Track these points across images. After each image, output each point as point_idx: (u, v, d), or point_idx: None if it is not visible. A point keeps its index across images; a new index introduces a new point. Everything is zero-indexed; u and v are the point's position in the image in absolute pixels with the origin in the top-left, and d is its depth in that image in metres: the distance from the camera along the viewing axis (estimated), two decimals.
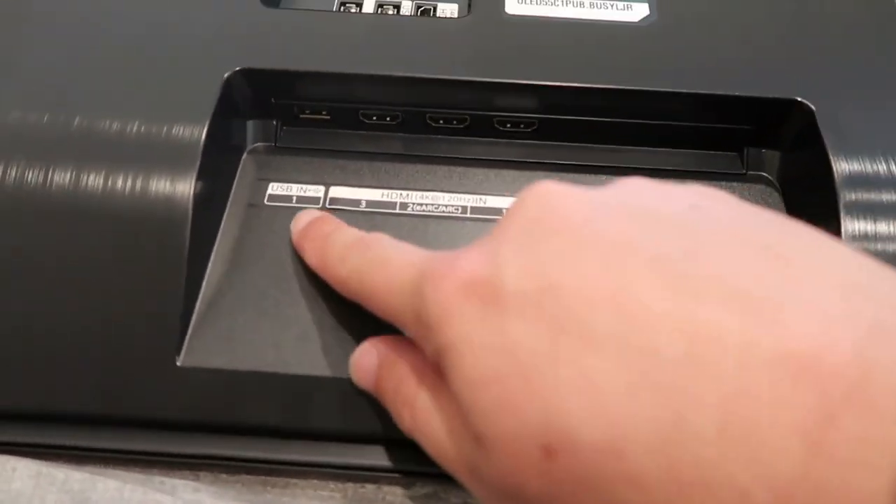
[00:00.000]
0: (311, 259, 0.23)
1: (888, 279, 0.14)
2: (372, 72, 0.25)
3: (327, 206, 0.25)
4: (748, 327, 0.14)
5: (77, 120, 0.24)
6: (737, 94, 0.25)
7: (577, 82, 0.25)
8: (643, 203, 0.17)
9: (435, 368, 0.19)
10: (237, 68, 0.25)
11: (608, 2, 0.28)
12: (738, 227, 0.16)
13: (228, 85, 0.25)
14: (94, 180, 0.23)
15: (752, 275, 0.14)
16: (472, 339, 0.16)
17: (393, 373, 0.20)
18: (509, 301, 0.16)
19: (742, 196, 0.26)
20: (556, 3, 0.28)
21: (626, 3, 0.28)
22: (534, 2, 0.28)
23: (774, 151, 0.26)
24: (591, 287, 0.15)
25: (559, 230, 0.16)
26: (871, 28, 0.27)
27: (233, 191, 0.26)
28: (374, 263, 0.20)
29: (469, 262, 0.17)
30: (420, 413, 0.19)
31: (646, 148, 0.27)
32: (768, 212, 0.17)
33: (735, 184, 0.26)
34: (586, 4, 0.28)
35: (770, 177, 0.26)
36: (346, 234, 0.22)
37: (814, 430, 0.13)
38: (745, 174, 0.27)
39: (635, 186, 0.18)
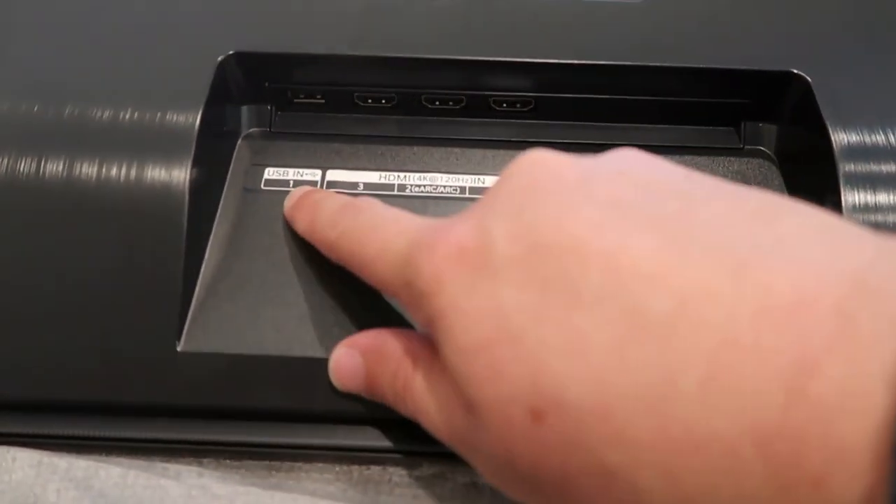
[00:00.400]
0: (301, 225, 0.23)
1: (866, 235, 0.14)
2: (366, 53, 0.25)
3: (325, 189, 0.25)
4: (736, 281, 0.14)
5: (69, 108, 0.24)
6: (732, 67, 0.25)
7: (573, 59, 0.25)
8: (637, 170, 0.17)
9: (425, 345, 0.19)
10: (230, 52, 0.25)
11: None
12: (730, 194, 0.16)
13: (221, 69, 0.25)
14: (88, 169, 0.23)
15: (741, 234, 0.14)
16: (462, 305, 0.16)
17: (385, 367, 0.20)
18: (499, 265, 0.16)
19: (740, 170, 0.26)
20: None
21: None
22: None
23: (771, 125, 0.26)
24: (581, 245, 0.15)
25: (552, 191, 0.16)
26: (863, 1, 0.27)
27: (228, 176, 0.26)
28: (366, 229, 0.20)
29: (460, 230, 0.17)
30: (418, 394, 0.19)
31: (643, 124, 0.27)
32: (756, 188, 0.17)
33: (733, 158, 0.26)
34: None
35: (768, 150, 0.26)
36: (336, 199, 0.22)
37: (795, 378, 0.12)
38: (742, 149, 0.26)
39: (630, 155, 0.18)
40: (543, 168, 0.17)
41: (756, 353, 0.13)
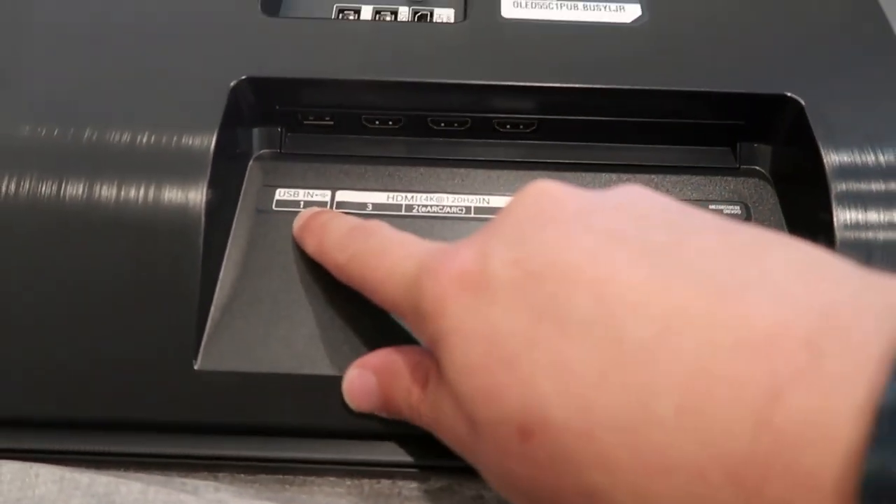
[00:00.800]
0: (311, 247, 0.24)
1: (847, 270, 0.15)
2: (373, 78, 0.26)
3: (334, 209, 0.26)
4: (715, 311, 0.14)
5: (87, 132, 0.25)
6: (729, 90, 0.26)
7: (574, 83, 0.26)
8: (637, 203, 0.18)
9: (433, 360, 0.19)
10: (242, 77, 0.26)
11: (601, 3, 0.28)
12: (721, 228, 0.17)
13: (234, 94, 0.26)
14: (107, 191, 0.24)
15: (726, 266, 0.15)
16: (461, 327, 0.17)
17: (398, 384, 0.21)
18: (497, 290, 0.17)
19: (736, 189, 0.27)
20: (551, 6, 0.28)
21: (618, 5, 0.28)
22: (529, 5, 0.28)
23: (766, 146, 0.27)
24: (574, 273, 0.16)
25: (551, 220, 0.17)
26: (855, 24, 0.28)
27: (241, 198, 0.26)
28: (375, 252, 0.21)
29: (463, 254, 0.18)
30: (431, 407, 0.19)
31: (642, 145, 0.28)
32: (750, 225, 0.17)
33: (729, 178, 0.27)
34: (580, 7, 0.28)
35: (763, 170, 0.27)
36: (344, 221, 0.23)
37: (763, 408, 0.13)
38: (738, 168, 0.27)
39: (632, 190, 0.19)
40: (548, 198, 0.18)
41: (728, 383, 0.13)
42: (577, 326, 0.15)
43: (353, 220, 0.23)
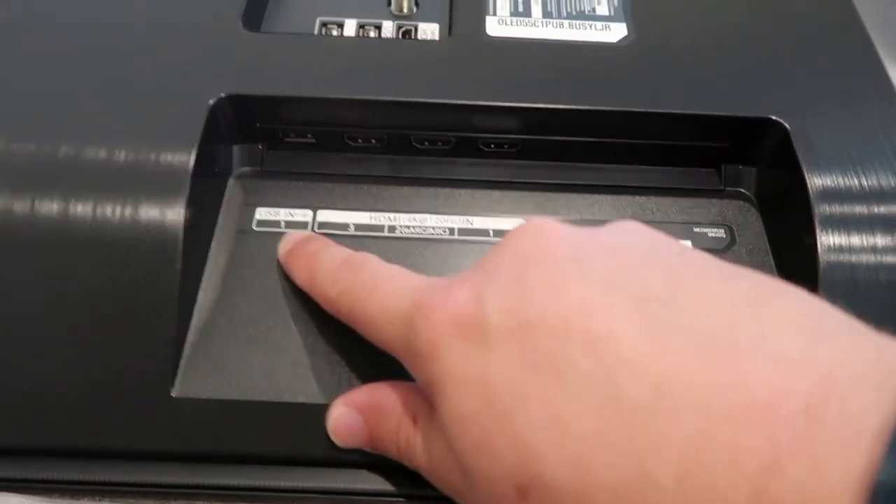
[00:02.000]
0: (300, 278, 0.23)
1: (846, 329, 0.15)
2: (355, 96, 0.25)
3: (316, 230, 0.26)
4: (713, 373, 0.14)
5: (63, 148, 0.24)
6: (714, 113, 0.26)
7: (558, 104, 0.25)
8: (634, 244, 0.17)
9: (423, 399, 0.19)
10: (222, 95, 0.25)
11: (587, 22, 0.28)
12: (719, 278, 0.16)
13: (213, 111, 0.25)
14: (82, 209, 0.23)
15: (724, 322, 0.15)
16: (456, 374, 0.17)
17: (386, 424, 0.20)
18: (492, 338, 0.16)
19: (721, 211, 0.27)
20: (536, 24, 0.28)
21: (604, 24, 0.28)
22: (514, 23, 0.28)
23: (751, 168, 0.27)
24: (568, 326, 0.15)
25: (543, 262, 0.17)
26: (841, 48, 0.28)
27: (220, 216, 0.26)
28: (365, 288, 0.20)
29: (457, 296, 0.17)
30: (420, 449, 0.19)
31: (627, 165, 0.28)
32: (747, 270, 0.17)
33: (714, 200, 0.27)
34: (566, 25, 0.28)
35: (747, 192, 0.27)
36: (334, 254, 0.23)
37: (759, 477, 0.13)
38: (723, 190, 0.27)
39: (627, 228, 0.18)
40: (545, 238, 0.18)
41: (727, 449, 0.13)
42: (573, 381, 0.15)
43: (344, 251, 0.23)
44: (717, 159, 0.27)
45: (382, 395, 0.20)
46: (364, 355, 0.23)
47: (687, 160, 0.28)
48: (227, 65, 0.26)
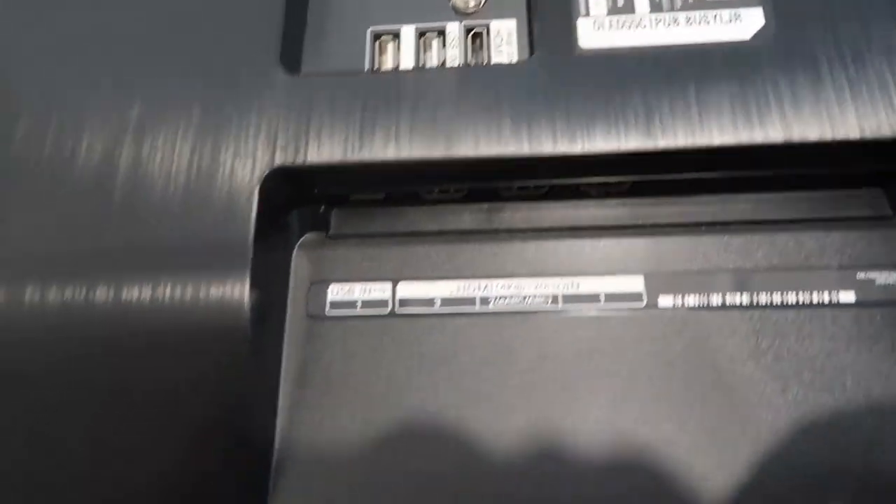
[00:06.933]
0: None
1: None
2: (426, 156, 0.21)
3: (397, 309, 0.22)
4: None
5: (111, 237, 0.21)
6: (880, 136, 0.20)
7: (682, 141, 0.20)
8: None
9: None
10: (271, 168, 0.21)
11: (710, 12, 0.22)
12: None
13: (264, 187, 0.21)
14: (140, 293, 0.21)
15: None
16: None
17: None
18: None
19: (894, 248, 0.21)
20: (643, 23, 0.22)
21: (732, 12, 0.22)
22: (614, 25, 0.22)
23: None
24: None
25: None
26: None
27: (290, 298, 0.23)
28: None
29: None
30: None
31: (760, 194, 0.22)
32: None
33: (882, 231, 0.21)
34: (681, 21, 0.22)
35: None
36: None
37: None
38: (893, 217, 0.22)
39: None
40: None
41: None
42: None
43: None
44: (883, 175, 0.22)
45: None
46: (483, 471, 0.20)
47: (843, 180, 0.22)
48: (274, 125, 0.22)
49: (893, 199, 0.22)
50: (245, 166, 0.21)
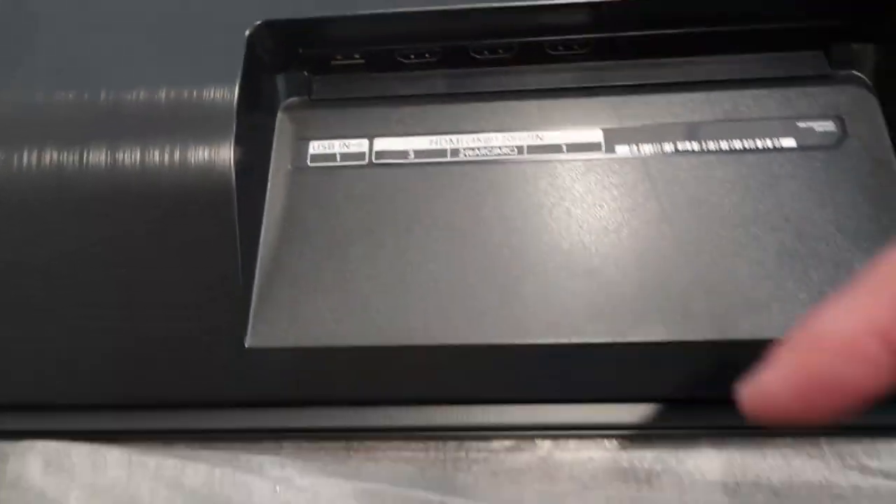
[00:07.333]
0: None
1: None
2: (403, 9, 0.23)
3: (374, 160, 0.24)
4: None
5: (104, 94, 0.23)
6: None
7: None
8: None
9: None
10: (258, 23, 0.23)
11: None
12: None
13: (252, 42, 0.23)
14: (130, 156, 0.22)
15: None
16: None
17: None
18: None
19: (830, 101, 0.23)
20: None
21: None
22: None
23: (868, 45, 0.23)
24: None
25: None
26: None
27: (273, 154, 0.24)
28: None
29: None
30: None
31: (714, 57, 0.24)
32: None
33: (820, 87, 0.23)
34: None
35: (862, 75, 0.23)
36: None
37: None
38: (831, 74, 0.24)
39: None
40: None
41: None
42: None
43: None
44: (823, 38, 0.23)
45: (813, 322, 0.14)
46: (440, 291, 0.21)
47: (786, 43, 0.24)
48: None
49: (832, 59, 0.24)
50: (231, 23, 0.23)
